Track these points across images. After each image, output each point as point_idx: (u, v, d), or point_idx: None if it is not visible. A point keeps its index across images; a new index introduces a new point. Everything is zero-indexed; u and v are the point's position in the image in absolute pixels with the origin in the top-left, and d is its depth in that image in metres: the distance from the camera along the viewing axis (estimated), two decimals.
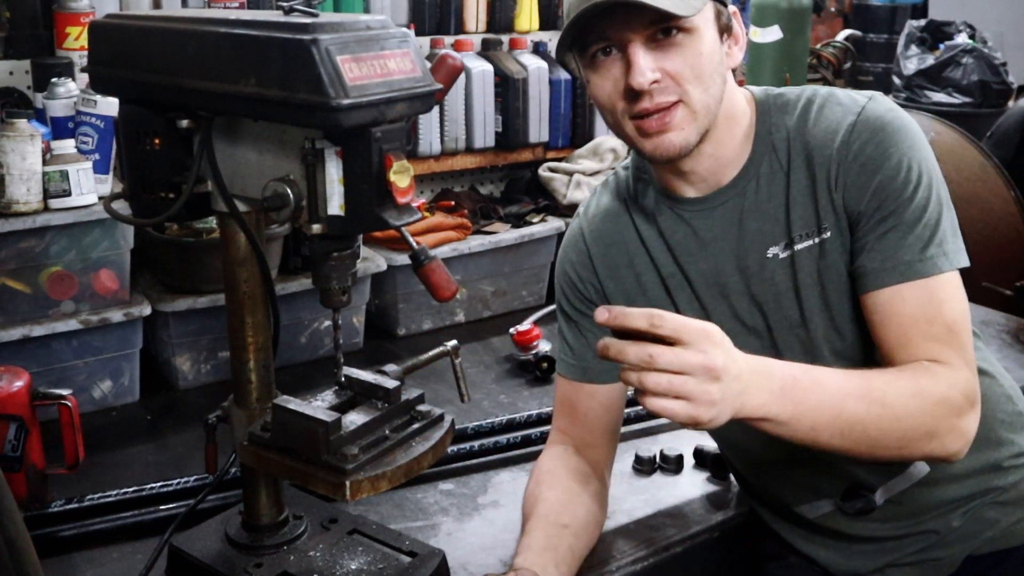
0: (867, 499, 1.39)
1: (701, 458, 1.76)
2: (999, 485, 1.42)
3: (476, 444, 1.79)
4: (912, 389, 1.21)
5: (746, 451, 1.49)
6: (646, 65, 1.22)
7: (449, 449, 1.69)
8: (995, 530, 1.43)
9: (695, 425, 1.08)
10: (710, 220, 1.38)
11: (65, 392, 1.57)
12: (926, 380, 1.23)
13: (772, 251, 1.35)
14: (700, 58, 1.25)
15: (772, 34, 3.51)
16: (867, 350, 1.35)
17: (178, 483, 1.61)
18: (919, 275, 1.26)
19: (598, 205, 1.51)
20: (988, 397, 1.38)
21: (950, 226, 1.29)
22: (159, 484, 1.61)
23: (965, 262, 1.29)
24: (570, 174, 2.72)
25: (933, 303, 1.27)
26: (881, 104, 1.31)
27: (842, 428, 1.17)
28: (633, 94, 1.24)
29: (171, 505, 1.58)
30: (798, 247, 1.33)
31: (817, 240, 1.32)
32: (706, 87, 1.26)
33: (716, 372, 1.06)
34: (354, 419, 1.26)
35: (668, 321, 1.06)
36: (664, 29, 1.23)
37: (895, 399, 1.19)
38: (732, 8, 1.31)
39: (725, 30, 1.30)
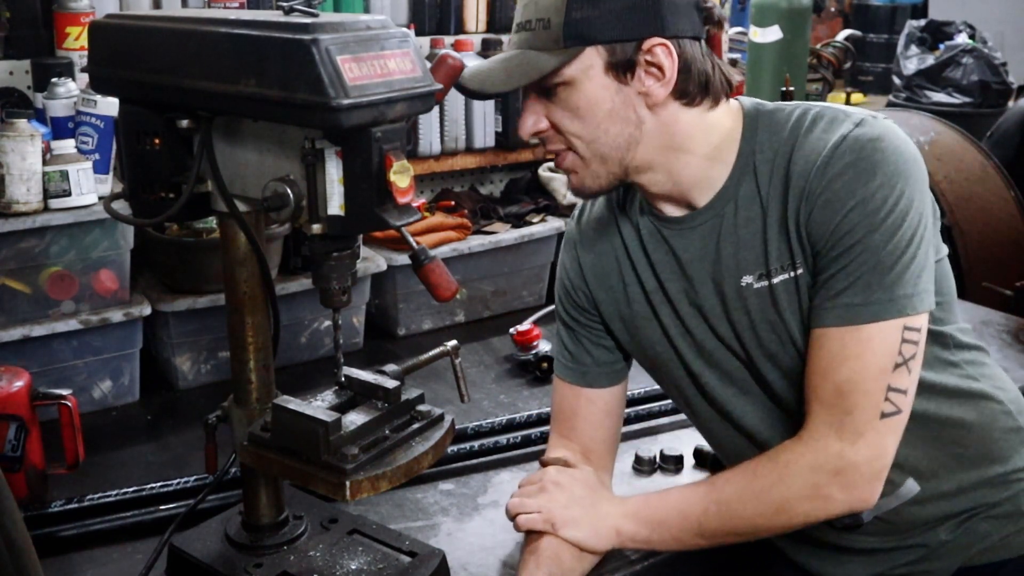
0: (855, 516, 1.36)
1: (701, 458, 1.76)
2: (991, 501, 1.39)
3: (476, 444, 1.79)
4: (745, 480, 1.30)
5: (739, 457, 1.49)
6: (527, 119, 1.31)
7: (449, 449, 1.69)
8: (987, 543, 1.40)
9: (554, 530, 1.37)
10: (687, 240, 1.36)
11: (65, 392, 1.57)
12: (763, 466, 1.29)
13: (746, 280, 1.31)
14: (579, 110, 1.27)
15: (772, 34, 3.51)
16: None
17: (178, 483, 1.61)
18: (835, 323, 1.23)
19: (591, 212, 1.51)
20: (984, 416, 1.37)
21: (916, 269, 1.22)
22: (159, 484, 1.61)
23: (920, 307, 1.22)
24: None
25: (837, 358, 1.23)
26: (868, 130, 1.23)
27: (694, 534, 1.33)
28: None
29: (171, 505, 1.58)
30: (775, 280, 1.29)
31: (792, 275, 1.28)
32: (595, 135, 1.27)
33: (546, 489, 1.41)
34: (354, 419, 1.26)
35: (523, 481, 1.46)
36: (541, 88, 1.28)
37: (729, 494, 1.30)
38: (655, 41, 1.22)
39: (626, 68, 1.24)
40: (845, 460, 1.23)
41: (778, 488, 1.27)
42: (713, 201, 1.33)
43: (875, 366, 1.22)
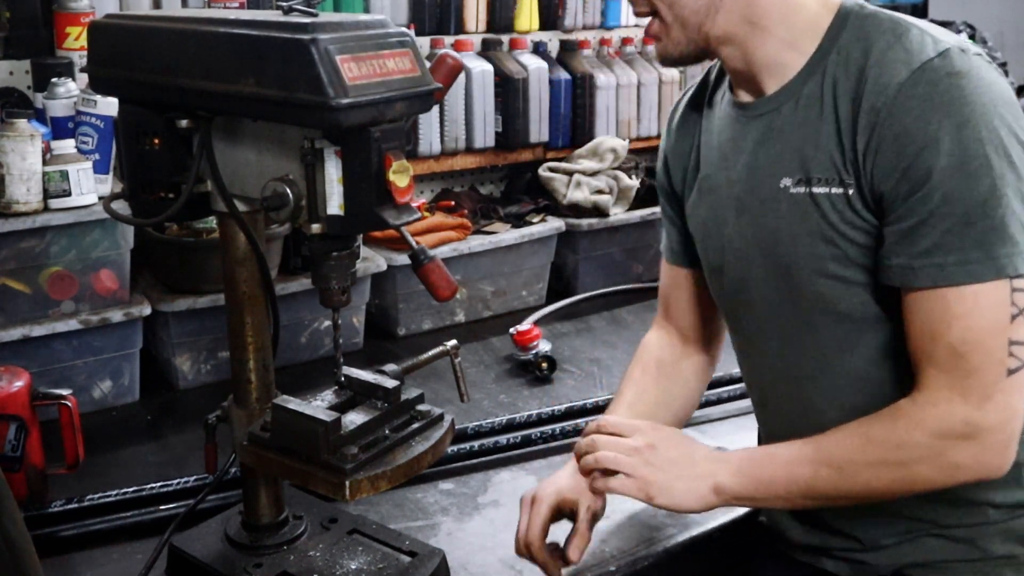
0: None
1: None
2: (946, 523, 1.30)
3: (476, 444, 1.79)
4: (858, 444, 1.21)
5: (759, 386, 1.48)
6: None
7: (449, 449, 1.69)
8: (928, 557, 1.32)
9: (649, 499, 1.27)
10: (745, 130, 1.32)
11: (65, 392, 1.57)
12: (879, 429, 1.20)
13: (784, 182, 1.27)
14: None
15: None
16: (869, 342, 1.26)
17: (178, 483, 1.61)
18: (935, 282, 1.14)
19: (687, 96, 1.50)
20: None
21: (1007, 225, 1.12)
22: (159, 484, 1.61)
23: (1022, 267, 1.13)
24: (570, 174, 2.72)
25: (943, 318, 1.15)
26: (950, 63, 1.13)
27: (802, 494, 1.24)
28: None
29: (171, 505, 1.58)
30: (816, 190, 1.23)
31: (842, 192, 1.21)
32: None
33: (641, 451, 1.27)
34: (354, 419, 1.26)
35: (610, 424, 1.33)
36: None
37: (841, 458, 1.21)
38: None
39: None
40: (974, 425, 1.14)
41: (897, 455, 1.18)
42: (778, 93, 1.28)
43: (989, 321, 1.13)
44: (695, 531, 1.56)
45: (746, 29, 1.26)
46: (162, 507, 1.58)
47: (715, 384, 2.01)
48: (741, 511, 1.62)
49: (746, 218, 1.34)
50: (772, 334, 1.38)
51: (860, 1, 1.26)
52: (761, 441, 1.54)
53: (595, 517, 1.40)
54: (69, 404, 1.56)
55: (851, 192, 1.20)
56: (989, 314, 1.13)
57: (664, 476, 1.27)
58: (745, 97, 1.34)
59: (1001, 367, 1.14)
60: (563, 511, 1.39)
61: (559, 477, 1.42)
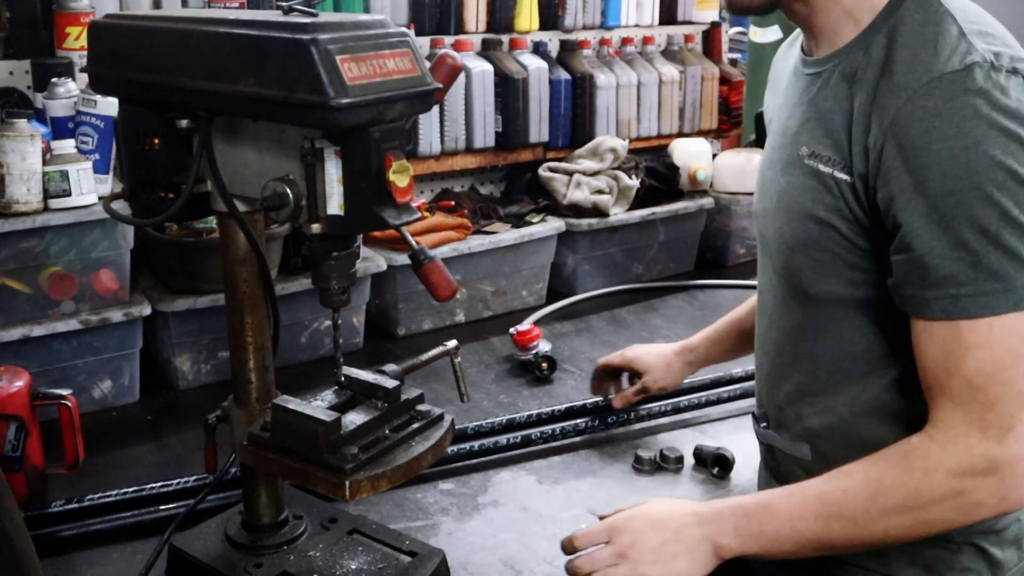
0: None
1: (701, 458, 1.76)
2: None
3: (476, 444, 1.79)
4: (871, 493, 1.14)
5: (758, 344, 1.50)
6: None
7: (449, 449, 1.69)
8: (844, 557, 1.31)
9: None
10: (798, 84, 1.30)
11: (65, 392, 1.57)
12: (893, 476, 1.14)
13: (802, 150, 1.24)
14: None
15: (772, 34, 3.50)
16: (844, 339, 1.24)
17: (178, 483, 1.61)
18: (948, 314, 1.09)
19: (784, 48, 1.48)
20: None
21: (1019, 256, 1.07)
22: (159, 484, 1.61)
23: None
24: (570, 174, 2.72)
25: (957, 350, 1.09)
26: (972, 79, 1.07)
27: (813, 548, 1.18)
28: None
29: (171, 505, 1.58)
30: (820, 167, 1.20)
31: (845, 176, 1.17)
32: None
33: (625, 555, 1.22)
34: (354, 419, 1.26)
35: (579, 539, 1.27)
36: None
37: (854, 510, 1.15)
38: None
39: None
40: (994, 460, 1.09)
41: (915, 499, 1.12)
42: (826, 58, 1.25)
43: (1005, 352, 1.08)
44: None
45: None
46: (162, 507, 1.58)
47: (715, 384, 2.02)
48: None
49: (775, 172, 1.33)
50: (767, 297, 1.41)
51: None
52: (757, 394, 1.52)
53: (645, 390, 1.80)
54: (69, 404, 1.56)
55: (854, 182, 1.17)
56: (1006, 345, 1.08)
57: (660, 565, 1.21)
58: (807, 51, 1.32)
59: (1020, 398, 1.10)
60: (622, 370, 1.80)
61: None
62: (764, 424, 1.45)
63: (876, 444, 1.19)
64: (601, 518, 1.32)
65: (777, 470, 1.47)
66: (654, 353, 1.85)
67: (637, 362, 1.85)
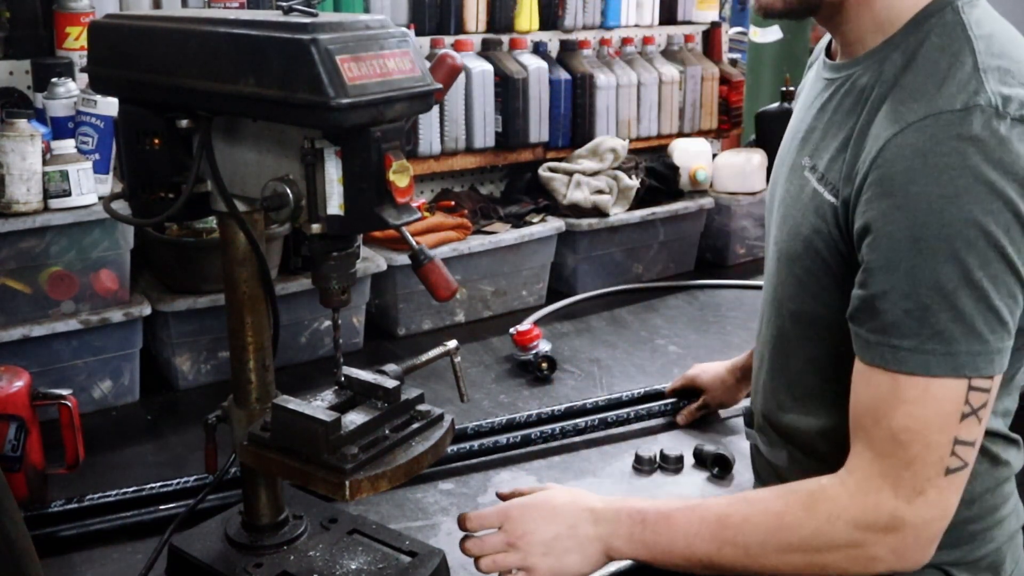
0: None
1: (701, 458, 1.76)
2: None
3: (476, 444, 1.78)
4: (770, 526, 1.12)
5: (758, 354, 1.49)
6: None
7: (449, 449, 1.69)
8: None
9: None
10: (815, 88, 1.27)
11: (65, 392, 1.57)
12: (795, 514, 1.11)
13: (805, 160, 1.21)
14: None
15: (772, 34, 3.51)
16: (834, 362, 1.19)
17: (178, 483, 1.61)
18: (885, 363, 1.06)
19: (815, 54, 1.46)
20: None
21: (974, 320, 1.02)
22: (159, 484, 1.61)
23: (989, 370, 1.03)
24: (570, 174, 2.72)
25: (890, 401, 1.06)
26: (967, 124, 1.01)
27: (703, 567, 1.16)
28: None
29: (171, 505, 1.58)
30: (818, 186, 1.17)
31: (831, 199, 1.14)
32: None
33: (516, 545, 1.21)
34: (354, 419, 1.26)
35: (472, 520, 1.27)
36: None
37: (750, 540, 1.13)
38: None
39: None
40: (900, 520, 1.06)
41: (812, 541, 1.10)
42: (843, 65, 1.20)
43: (936, 415, 1.04)
44: None
45: None
46: (162, 507, 1.58)
47: None
48: None
49: (783, 173, 1.30)
50: (763, 298, 1.41)
51: None
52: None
53: (706, 406, 1.87)
54: (69, 404, 1.56)
55: (837, 206, 1.13)
56: (938, 408, 1.04)
57: (549, 559, 1.20)
58: (830, 54, 1.29)
59: (940, 464, 1.05)
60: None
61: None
62: (750, 426, 1.47)
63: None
64: (502, 498, 1.30)
65: (757, 472, 1.47)
66: (711, 372, 1.90)
67: (698, 380, 1.92)
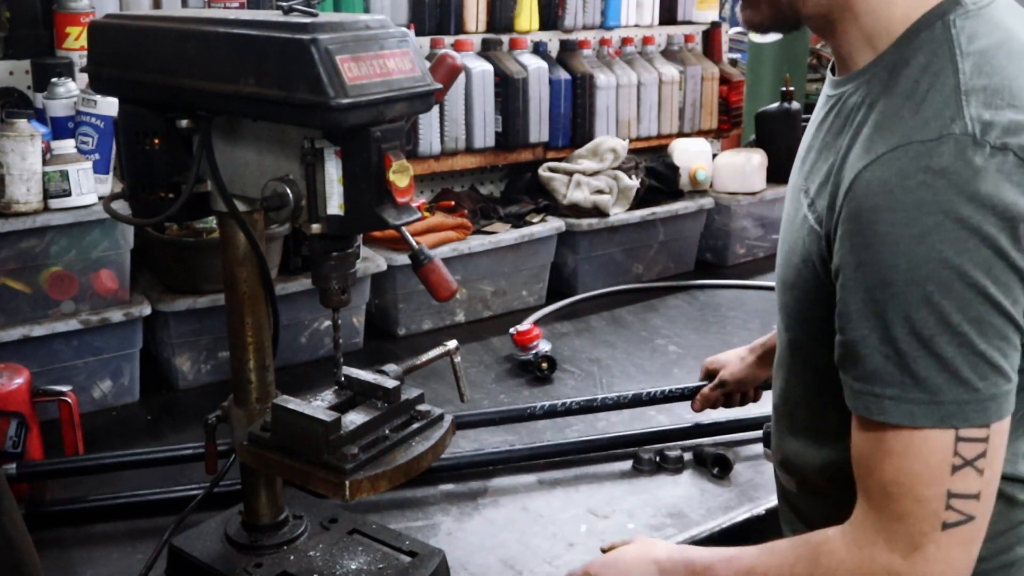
0: None
1: (701, 458, 1.76)
2: None
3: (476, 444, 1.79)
4: (781, 572, 1.11)
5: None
6: None
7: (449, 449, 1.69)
8: None
9: None
10: (821, 104, 1.19)
11: (65, 388, 1.57)
12: (803, 566, 1.09)
13: (801, 181, 1.15)
14: None
15: (772, 34, 3.50)
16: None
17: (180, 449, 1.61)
18: (869, 413, 1.00)
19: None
20: None
21: (957, 367, 0.95)
22: (158, 491, 1.61)
23: (975, 418, 0.95)
24: (570, 174, 2.72)
25: (877, 451, 1.00)
26: (938, 155, 0.94)
27: None
28: None
29: (165, 491, 1.58)
30: (807, 212, 1.10)
31: (816, 229, 1.07)
32: None
33: None
34: (354, 419, 1.26)
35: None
36: None
37: None
38: None
39: None
40: (896, 574, 1.01)
41: None
42: (841, 81, 1.13)
43: (925, 468, 0.98)
44: (695, 531, 1.57)
45: (836, 10, 1.08)
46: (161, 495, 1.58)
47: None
48: (741, 511, 1.62)
49: (788, 195, 1.24)
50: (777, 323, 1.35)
51: (967, 6, 1.03)
52: None
53: (723, 384, 1.78)
54: (69, 400, 1.56)
55: (822, 237, 1.07)
56: (926, 461, 0.97)
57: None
58: (833, 69, 1.22)
59: (935, 519, 0.99)
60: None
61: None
62: (768, 446, 1.45)
63: (844, 502, 1.10)
64: (604, 551, 1.35)
65: (778, 493, 1.44)
66: (730, 352, 1.84)
67: (715, 363, 1.85)
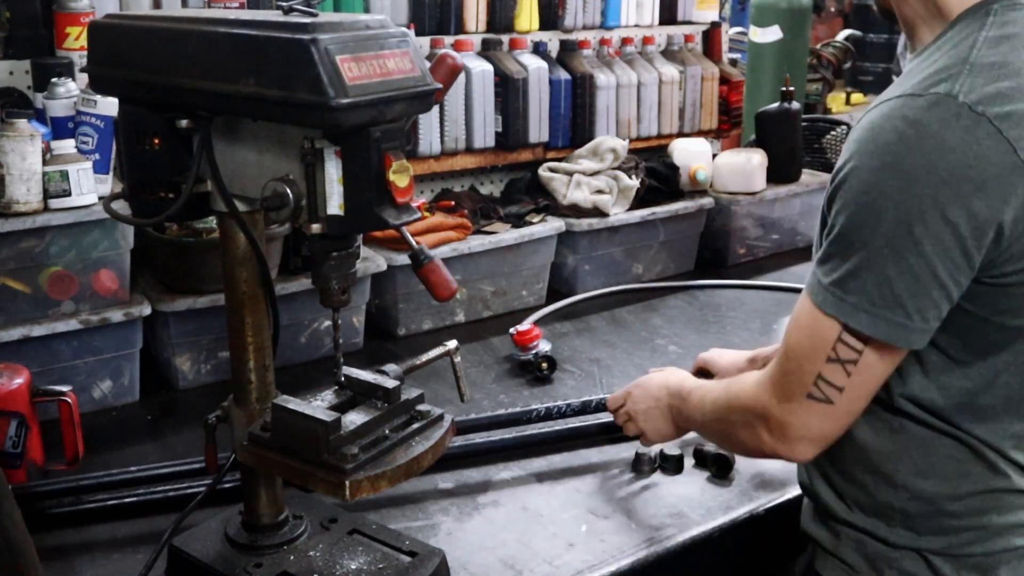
0: None
1: (701, 458, 1.76)
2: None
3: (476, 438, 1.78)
4: (715, 402, 1.44)
5: None
6: None
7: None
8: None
9: (642, 434, 1.71)
10: None
11: (65, 388, 1.57)
12: (725, 398, 1.40)
13: None
14: None
15: (772, 34, 3.51)
16: None
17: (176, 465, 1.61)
18: (807, 287, 1.23)
19: None
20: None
21: (877, 279, 1.13)
22: (158, 483, 1.61)
23: (862, 325, 1.15)
24: (570, 174, 2.72)
25: (794, 318, 1.25)
26: (917, 109, 1.10)
27: (704, 431, 1.57)
28: None
29: (167, 487, 1.58)
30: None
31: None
32: None
33: (631, 415, 1.71)
34: (354, 419, 1.26)
35: (611, 402, 1.78)
36: None
37: (707, 416, 1.47)
38: None
39: None
40: (770, 413, 1.28)
41: (727, 415, 1.39)
42: (910, 60, 1.27)
43: (809, 346, 1.21)
44: (695, 531, 1.57)
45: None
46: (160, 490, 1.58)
47: None
48: (741, 511, 1.62)
49: None
50: None
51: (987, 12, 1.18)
52: None
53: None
54: (69, 400, 1.56)
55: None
56: (811, 341, 1.21)
57: (649, 424, 1.67)
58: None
59: (804, 387, 1.22)
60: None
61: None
62: None
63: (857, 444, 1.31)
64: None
65: None
66: (728, 357, 1.90)
67: (712, 364, 1.90)
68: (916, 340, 1.16)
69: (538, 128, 2.77)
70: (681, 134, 3.11)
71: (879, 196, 1.11)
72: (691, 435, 1.86)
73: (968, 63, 1.11)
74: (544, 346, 2.18)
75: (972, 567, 1.26)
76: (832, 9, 5.66)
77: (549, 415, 1.85)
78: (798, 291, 1.35)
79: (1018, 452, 1.24)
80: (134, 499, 1.60)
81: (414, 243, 1.36)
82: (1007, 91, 1.08)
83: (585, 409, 1.87)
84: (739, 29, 4.44)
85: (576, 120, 2.87)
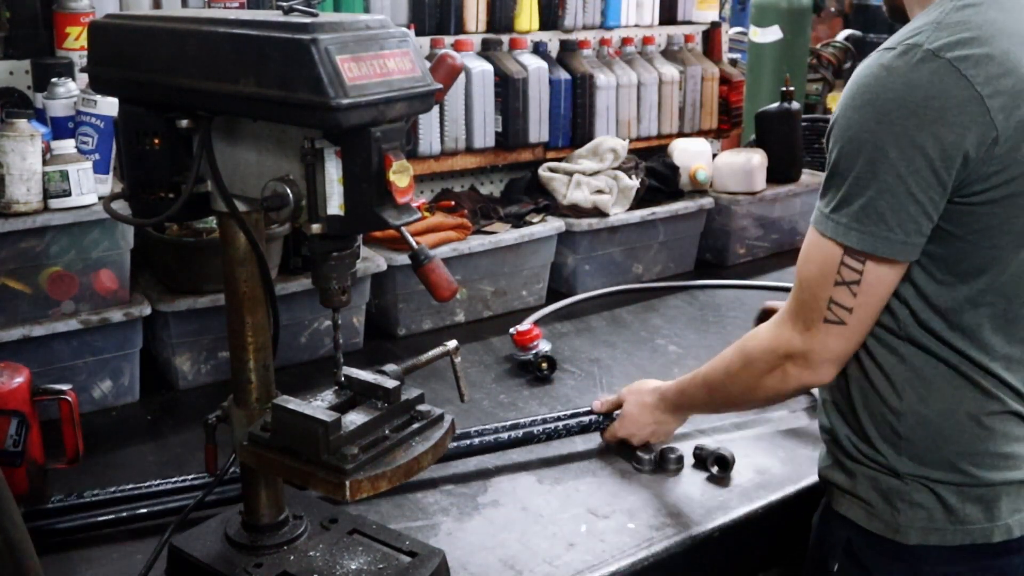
0: None
1: (701, 458, 1.76)
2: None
3: (477, 440, 1.78)
4: (723, 368, 1.56)
5: None
6: None
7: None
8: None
9: (632, 437, 1.81)
10: None
11: (65, 387, 1.57)
12: (731, 354, 1.54)
13: None
14: None
15: (772, 34, 3.51)
16: None
17: (177, 481, 1.61)
18: (813, 220, 1.36)
19: None
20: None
21: (876, 204, 1.28)
22: (158, 482, 1.61)
23: (854, 242, 1.29)
24: (570, 174, 2.72)
25: (804, 253, 1.38)
26: (891, 57, 1.28)
27: (706, 408, 1.75)
28: None
29: (169, 499, 1.57)
30: None
31: None
32: None
33: (623, 419, 1.81)
34: (354, 419, 1.26)
35: (601, 405, 1.88)
36: None
37: (715, 384, 1.59)
38: None
39: None
40: (792, 346, 1.39)
41: (747, 370, 1.49)
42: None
43: (819, 274, 1.34)
44: (695, 531, 1.57)
45: None
46: (164, 499, 1.57)
47: None
48: (741, 511, 1.62)
49: None
50: None
51: None
52: None
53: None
54: (69, 399, 1.56)
55: None
56: (820, 268, 1.34)
57: (634, 424, 1.78)
58: None
59: (820, 312, 1.35)
60: None
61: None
62: None
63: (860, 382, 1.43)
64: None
65: None
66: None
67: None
68: (900, 252, 1.29)
69: (538, 128, 2.77)
70: (681, 134, 3.11)
71: (860, 130, 1.28)
72: (691, 435, 1.87)
73: (935, 23, 1.28)
74: (544, 346, 2.18)
75: (976, 499, 1.36)
76: (832, 9, 5.66)
77: (549, 437, 1.83)
78: None
79: (1009, 374, 1.35)
80: (139, 512, 1.59)
81: (414, 243, 1.36)
82: (966, 40, 1.26)
83: (585, 430, 1.85)
84: (739, 29, 4.44)
85: (576, 120, 2.87)
